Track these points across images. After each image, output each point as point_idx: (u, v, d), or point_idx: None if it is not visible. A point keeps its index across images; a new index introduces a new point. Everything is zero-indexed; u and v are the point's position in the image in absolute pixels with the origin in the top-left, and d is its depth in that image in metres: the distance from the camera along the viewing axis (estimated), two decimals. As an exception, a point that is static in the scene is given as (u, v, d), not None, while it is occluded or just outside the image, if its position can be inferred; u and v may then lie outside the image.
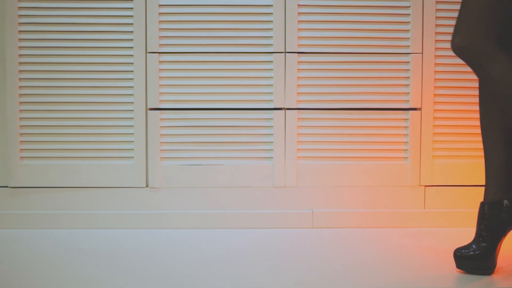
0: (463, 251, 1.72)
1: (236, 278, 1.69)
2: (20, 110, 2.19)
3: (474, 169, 2.25)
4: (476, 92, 2.24)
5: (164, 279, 1.68)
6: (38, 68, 2.18)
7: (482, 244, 1.71)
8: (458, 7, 2.19)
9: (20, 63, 2.18)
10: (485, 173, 1.74)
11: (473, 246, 1.71)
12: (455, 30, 1.66)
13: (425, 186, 2.24)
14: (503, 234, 1.72)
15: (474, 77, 2.24)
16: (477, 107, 2.24)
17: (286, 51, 2.20)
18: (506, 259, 1.82)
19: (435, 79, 2.23)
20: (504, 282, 1.65)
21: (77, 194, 2.21)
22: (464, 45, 1.63)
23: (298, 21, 2.20)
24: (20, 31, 2.17)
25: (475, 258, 1.70)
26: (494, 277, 1.69)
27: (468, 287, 1.62)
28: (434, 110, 2.23)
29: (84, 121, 2.20)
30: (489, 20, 1.61)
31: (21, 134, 2.19)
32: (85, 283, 1.64)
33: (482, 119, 1.75)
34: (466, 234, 2.15)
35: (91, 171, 2.20)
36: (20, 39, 2.17)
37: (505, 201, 1.71)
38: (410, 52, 2.21)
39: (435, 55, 2.22)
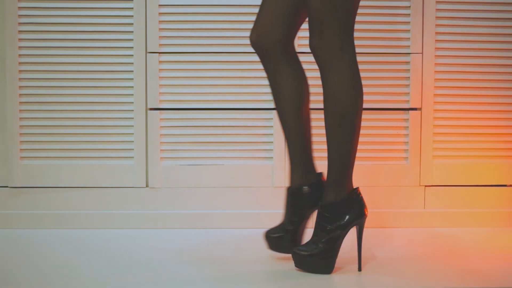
0: (272, 233, 1.80)
1: (237, 277, 1.69)
2: (20, 110, 2.19)
3: (474, 169, 2.25)
4: (476, 92, 2.25)
5: (163, 279, 1.68)
6: (38, 68, 2.18)
7: (288, 228, 1.77)
8: (458, 7, 2.21)
9: (20, 63, 2.18)
10: (289, 160, 1.81)
11: (281, 227, 1.78)
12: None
13: (425, 186, 2.24)
14: (304, 218, 1.77)
15: (474, 77, 2.24)
16: (477, 107, 2.25)
17: (287, 51, 2.20)
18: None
19: (435, 79, 2.23)
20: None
21: (77, 194, 2.21)
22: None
23: (298, 21, 2.20)
24: (20, 31, 2.17)
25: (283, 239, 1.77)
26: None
27: (468, 287, 1.62)
28: (434, 110, 2.23)
29: (84, 121, 2.20)
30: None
31: (21, 134, 2.19)
32: (85, 283, 1.64)
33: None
34: (466, 234, 2.15)
35: (91, 171, 2.20)
36: (20, 39, 2.17)
37: (305, 188, 1.76)
38: (410, 52, 2.21)
39: (435, 55, 2.22)
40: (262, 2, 1.78)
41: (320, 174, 1.82)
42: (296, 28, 1.79)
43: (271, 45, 1.74)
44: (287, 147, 1.82)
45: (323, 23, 1.64)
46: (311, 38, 1.67)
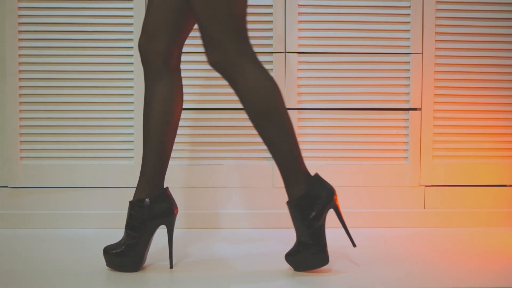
0: (112, 248, 1.72)
1: (236, 278, 1.69)
2: (20, 110, 2.19)
3: (474, 169, 2.25)
4: (476, 92, 2.25)
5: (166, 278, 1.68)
6: (38, 68, 2.18)
7: (128, 242, 1.71)
8: (458, 7, 2.21)
9: (20, 63, 2.18)
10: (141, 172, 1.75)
11: (122, 243, 1.72)
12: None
13: (425, 186, 2.24)
14: (148, 232, 1.71)
15: (474, 77, 2.24)
16: (477, 107, 2.25)
17: (286, 51, 2.20)
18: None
19: (435, 79, 2.23)
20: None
21: (77, 194, 2.21)
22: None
23: (298, 21, 2.20)
24: (20, 31, 2.17)
25: (120, 255, 1.71)
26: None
27: (468, 287, 1.62)
28: (434, 110, 2.23)
29: (84, 121, 2.20)
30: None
31: (21, 134, 2.19)
32: (85, 283, 1.64)
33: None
34: (466, 234, 2.15)
35: (91, 171, 2.20)
36: (20, 39, 2.17)
37: (147, 200, 1.71)
38: (410, 52, 2.21)
39: (435, 55, 2.22)
40: (148, 6, 1.72)
41: (166, 188, 1.77)
42: (182, 38, 1.75)
43: (154, 55, 1.70)
44: (143, 156, 1.74)
45: (213, 34, 1.62)
46: (206, 54, 1.64)
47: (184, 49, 2.20)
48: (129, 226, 1.71)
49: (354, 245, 1.75)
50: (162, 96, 1.71)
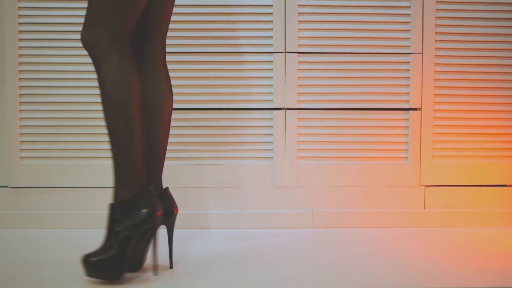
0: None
1: (235, 277, 1.69)
2: (20, 110, 2.19)
3: (474, 169, 2.25)
4: (476, 92, 2.25)
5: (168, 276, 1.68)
6: (38, 68, 2.18)
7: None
8: (458, 7, 2.21)
9: (20, 63, 2.18)
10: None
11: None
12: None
13: (425, 186, 2.24)
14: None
15: (474, 77, 2.24)
16: (477, 107, 2.25)
17: (286, 51, 2.20)
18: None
19: (435, 79, 2.23)
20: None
21: (77, 194, 2.21)
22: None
23: (298, 21, 2.20)
24: (20, 31, 2.17)
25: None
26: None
27: (468, 286, 1.62)
28: (434, 110, 2.23)
29: (84, 121, 2.20)
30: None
31: (21, 134, 2.19)
32: (85, 283, 1.64)
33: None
34: (466, 234, 2.15)
35: (91, 171, 2.20)
36: (20, 39, 2.17)
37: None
38: (410, 52, 2.21)
39: (435, 55, 2.22)
40: None
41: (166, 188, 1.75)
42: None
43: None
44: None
45: (89, 12, 1.59)
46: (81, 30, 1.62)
47: (184, 49, 2.21)
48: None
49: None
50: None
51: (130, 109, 1.60)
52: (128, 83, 1.60)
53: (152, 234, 1.69)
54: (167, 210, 1.72)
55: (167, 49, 2.19)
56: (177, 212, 1.74)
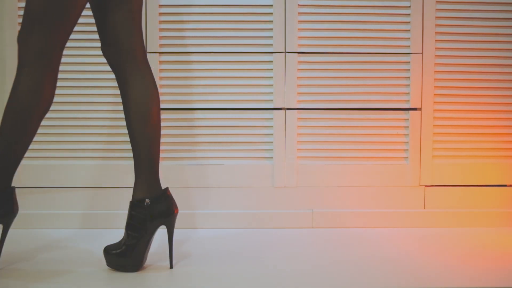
0: (112, 249, 1.73)
1: (235, 277, 1.69)
2: (20, 110, 2.19)
3: (474, 169, 2.25)
4: (476, 92, 2.25)
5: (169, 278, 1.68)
6: (38, 68, 2.18)
7: (129, 242, 1.71)
8: (458, 7, 2.21)
9: (20, 63, 2.18)
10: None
11: (122, 243, 1.73)
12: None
13: (425, 186, 2.24)
14: (148, 232, 1.72)
15: (474, 77, 2.24)
16: (477, 107, 2.25)
17: (286, 51, 2.20)
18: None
19: (435, 79, 2.23)
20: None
21: (77, 194, 2.21)
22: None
23: (298, 21, 2.20)
24: (20, 31, 2.17)
25: (121, 256, 1.72)
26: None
27: (468, 286, 1.62)
28: (434, 110, 2.23)
29: (84, 121, 2.20)
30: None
31: (21, 134, 2.19)
32: (85, 283, 1.64)
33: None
34: (466, 234, 2.15)
35: (91, 171, 2.20)
36: (20, 39, 2.17)
37: (147, 200, 1.71)
38: (410, 52, 2.21)
39: (435, 55, 2.22)
40: None
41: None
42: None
43: None
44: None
45: (23, 16, 1.61)
46: None
47: (184, 49, 2.21)
48: (129, 226, 1.71)
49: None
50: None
51: (28, 120, 1.64)
52: (38, 94, 1.61)
53: (153, 234, 1.72)
54: (167, 210, 1.72)
55: (167, 49, 2.20)
56: (177, 212, 1.74)
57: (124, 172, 2.20)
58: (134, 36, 1.72)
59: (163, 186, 2.20)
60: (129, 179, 2.20)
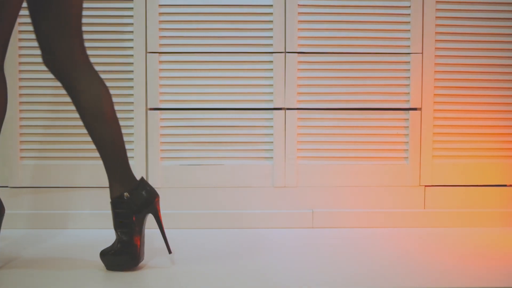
0: (108, 251, 1.74)
1: (235, 277, 1.69)
2: (20, 110, 2.19)
3: (474, 169, 2.25)
4: (476, 92, 2.25)
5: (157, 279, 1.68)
6: (38, 68, 2.18)
7: (122, 240, 1.72)
8: (458, 7, 2.22)
9: (20, 63, 2.18)
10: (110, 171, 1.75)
11: (116, 243, 1.73)
12: None
13: (425, 186, 2.24)
14: (138, 224, 1.73)
15: (474, 77, 2.24)
16: (477, 107, 2.25)
17: (286, 51, 2.20)
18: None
19: (435, 79, 2.23)
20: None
21: (78, 194, 2.21)
22: None
23: (298, 21, 2.20)
24: (20, 31, 2.17)
25: (117, 254, 1.72)
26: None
27: (468, 286, 1.62)
28: (434, 110, 2.23)
29: (84, 121, 2.20)
30: None
31: (21, 134, 2.19)
32: (85, 282, 1.65)
33: None
34: (466, 234, 2.15)
35: (91, 171, 2.20)
36: (20, 39, 2.17)
37: (125, 193, 1.72)
38: (410, 52, 2.21)
39: (435, 55, 2.22)
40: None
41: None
42: None
43: None
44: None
45: None
46: None
47: (184, 49, 2.21)
48: (118, 225, 1.72)
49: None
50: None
51: None
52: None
53: (143, 224, 1.73)
54: (148, 198, 1.73)
55: (167, 49, 2.20)
56: (159, 199, 1.75)
57: (124, 172, 2.20)
58: (68, 42, 1.69)
59: (163, 186, 2.20)
60: (129, 179, 2.20)
